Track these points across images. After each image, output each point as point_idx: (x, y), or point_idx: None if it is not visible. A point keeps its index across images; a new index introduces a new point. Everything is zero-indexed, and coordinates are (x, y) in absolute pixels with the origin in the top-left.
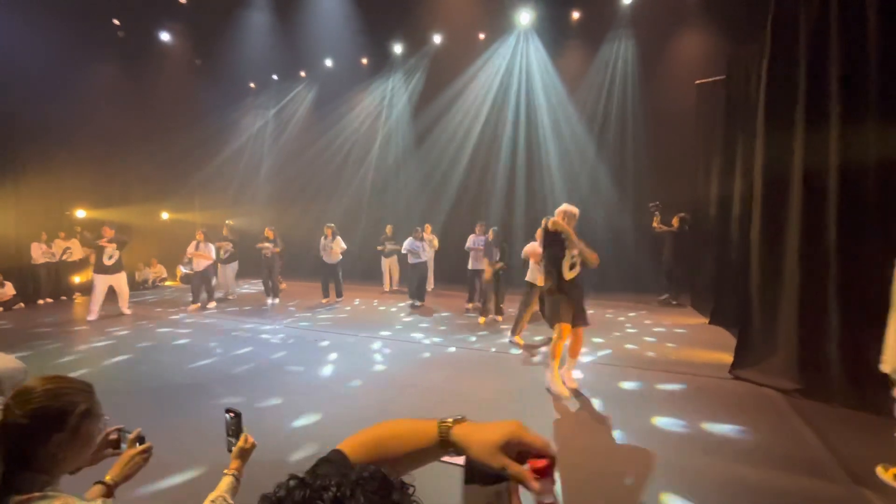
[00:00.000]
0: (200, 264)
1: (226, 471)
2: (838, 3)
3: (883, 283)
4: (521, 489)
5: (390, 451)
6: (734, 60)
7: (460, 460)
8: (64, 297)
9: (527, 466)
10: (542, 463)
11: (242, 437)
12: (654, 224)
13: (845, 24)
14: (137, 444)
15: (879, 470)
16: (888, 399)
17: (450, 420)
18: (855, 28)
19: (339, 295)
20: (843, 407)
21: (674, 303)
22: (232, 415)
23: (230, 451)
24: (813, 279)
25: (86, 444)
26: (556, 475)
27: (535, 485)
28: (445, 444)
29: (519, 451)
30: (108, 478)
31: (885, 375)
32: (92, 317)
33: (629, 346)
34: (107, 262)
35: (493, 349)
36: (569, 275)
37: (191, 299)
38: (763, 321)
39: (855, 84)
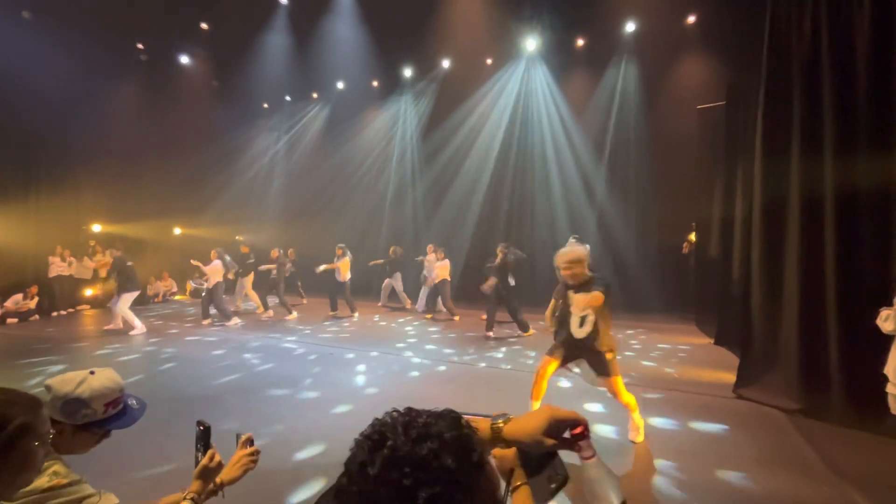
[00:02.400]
0: (211, 282)
1: (183, 494)
2: (828, 34)
3: (880, 305)
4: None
5: None
6: (733, 87)
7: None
8: (71, 310)
9: (567, 434)
10: (578, 429)
11: (208, 455)
12: (692, 242)
13: (836, 54)
14: (247, 446)
15: None
16: (887, 419)
17: (500, 422)
18: (845, 58)
19: (352, 310)
20: (843, 426)
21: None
22: (201, 428)
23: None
24: (812, 300)
25: (22, 466)
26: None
27: (578, 446)
28: (497, 440)
29: (558, 427)
30: (217, 479)
31: (884, 395)
32: (136, 331)
33: (637, 364)
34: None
35: (508, 366)
36: None
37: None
38: (764, 341)
39: (847, 111)
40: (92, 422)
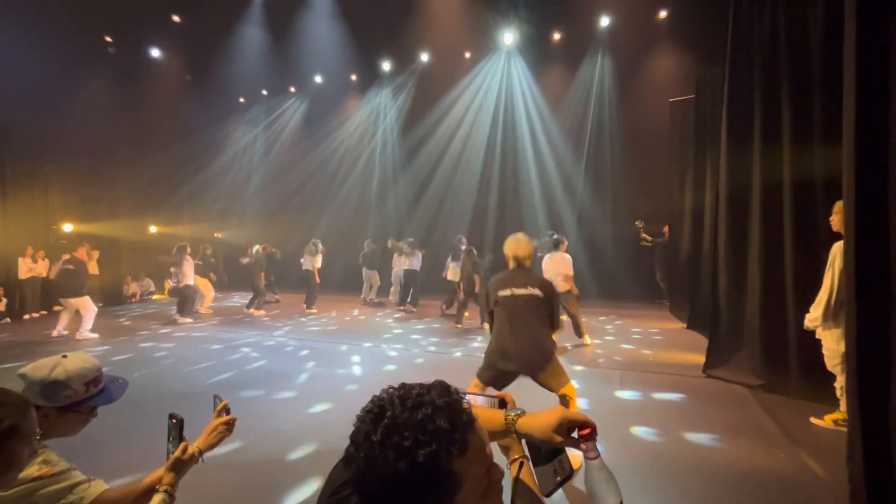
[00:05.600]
0: (185, 279)
1: (157, 486)
2: (786, 30)
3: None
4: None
5: None
6: (702, 81)
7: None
8: (44, 312)
9: (575, 435)
10: (586, 431)
11: (181, 447)
12: (647, 238)
13: (793, 50)
14: (224, 414)
15: (814, 420)
16: (835, 391)
17: (513, 415)
18: (801, 54)
19: (309, 305)
20: (799, 399)
21: (667, 302)
22: (174, 420)
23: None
24: (772, 285)
25: (8, 465)
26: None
27: (584, 446)
28: (509, 432)
29: (568, 427)
30: (195, 446)
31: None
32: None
33: (614, 348)
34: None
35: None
36: None
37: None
38: (730, 323)
39: (802, 105)
40: (75, 402)
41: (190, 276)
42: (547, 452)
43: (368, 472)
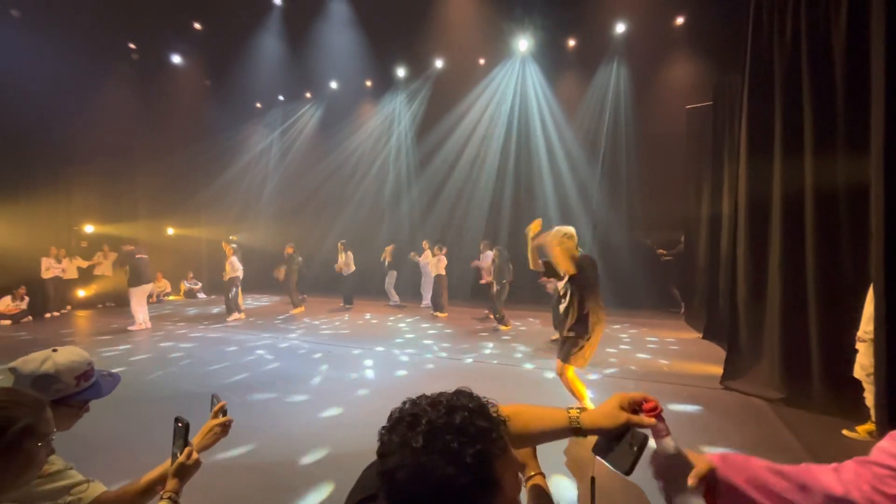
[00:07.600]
0: (226, 276)
1: (162, 493)
2: (807, 37)
3: (856, 299)
4: None
5: (521, 424)
6: (720, 88)
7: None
8: (64, 311)
9: (641, 414)
10: (650, 405)
11: (185, 452)
12: (663, 252)
13: (814, 57)
14: (220, 415)
15: (847, 433)
16: (860, 405)
17: (575, 410)
18: (823, 61)
19: (348, 302)
20: (822, 413)
21: (679, 310)
22: (179, 424)
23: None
24: (794, 295)
25: (25, 465)
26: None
27: (652, 420)
28: (576, 430)
29: (630, 405)
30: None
31: (858, 383)
32: (134, 326)
33: (627, 357)
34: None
35: (495, 361)
36: None
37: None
38: (749, 334)
39: (825, 112)
40: (66, 395)
41: (236, 270)
42: (615, 436)
43: (415, 482)
